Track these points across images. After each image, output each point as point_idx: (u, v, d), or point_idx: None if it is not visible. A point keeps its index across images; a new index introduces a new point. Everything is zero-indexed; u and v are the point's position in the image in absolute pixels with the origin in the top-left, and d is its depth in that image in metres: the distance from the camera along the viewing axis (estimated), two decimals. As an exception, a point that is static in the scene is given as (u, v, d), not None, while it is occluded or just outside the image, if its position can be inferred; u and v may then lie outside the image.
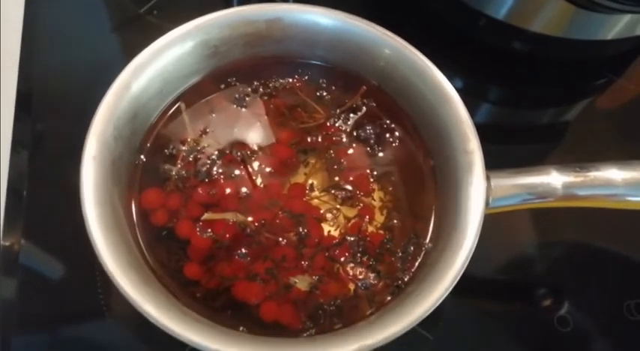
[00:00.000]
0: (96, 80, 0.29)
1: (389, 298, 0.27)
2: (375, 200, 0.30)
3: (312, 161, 0.31)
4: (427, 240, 0.28)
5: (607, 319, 0.34)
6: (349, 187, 0.30)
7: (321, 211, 0.29)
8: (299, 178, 0.31)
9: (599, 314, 0.34)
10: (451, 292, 0.24)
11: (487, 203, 0.27)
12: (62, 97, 0.40)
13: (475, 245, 0.25)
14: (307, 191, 0.30)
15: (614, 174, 0.28)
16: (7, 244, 0.34)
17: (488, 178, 0.27)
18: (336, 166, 0.31)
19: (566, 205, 0.29)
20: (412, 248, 0.28)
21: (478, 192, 0.26)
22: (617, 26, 0.38)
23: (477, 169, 0.27)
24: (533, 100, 0.44)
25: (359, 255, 0.28)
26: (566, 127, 0.44)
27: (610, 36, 0.39)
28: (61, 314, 0.33)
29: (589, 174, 0.28)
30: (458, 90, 0.29)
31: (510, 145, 0.43)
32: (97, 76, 0.40)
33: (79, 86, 0.40)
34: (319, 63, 0.33)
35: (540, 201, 0.28)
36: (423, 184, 0.30)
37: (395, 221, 0.29)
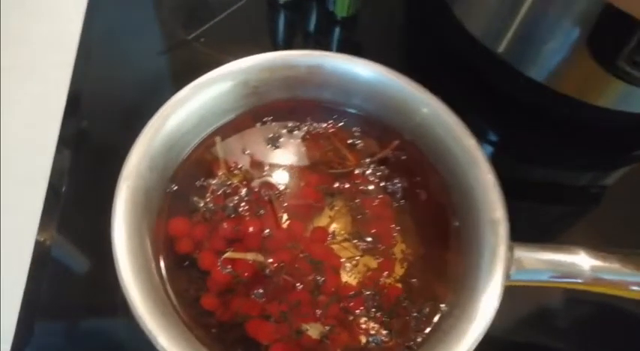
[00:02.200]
0: (141, 93, 0.31)
1: (398, 358, 0.27)
2: (395, 254, 0.30)
3: (338, 206, 0.31)
4: (444, 303, 0.28)
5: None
6: (371, 239, 0.30)
7: (341, 260, 0.30)
8: (323, 221, 0.31)
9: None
10: None
11: (508, 276, 0.27)
12: (108, 103, 0.42)
13: (492, 318, 0.25)
14: (329, 237, 0.30)
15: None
16: (41, 238, 0.35)
17: (511, 249, 0.27)
18: (360, 216, 0.31)
19: (590, 289, 0.28)
20: (428, 309, 0.28)
21: (500, 263, 0.26)
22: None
23: (501, 240, 0.27)
24: (570, 161, 0.44)
25: (373, 310, 0.28)
26: (602, 193, 0.43)
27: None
28: (82, 307, 0.34)
29: (620, 259, 0.28)
30: (492, 144, 0.29)
31: (542, 204, 0.42)
32: (142, 90, 0.41)
33: (124, 95, 0.42)
34: (355, 111, 0.33)
35: (564, 281, 0.27)
36: (446, 244, 0.30)
37: (414, 280, 0.29)
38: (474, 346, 0.24)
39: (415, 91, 0.30)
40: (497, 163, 0.44)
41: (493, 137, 0.45)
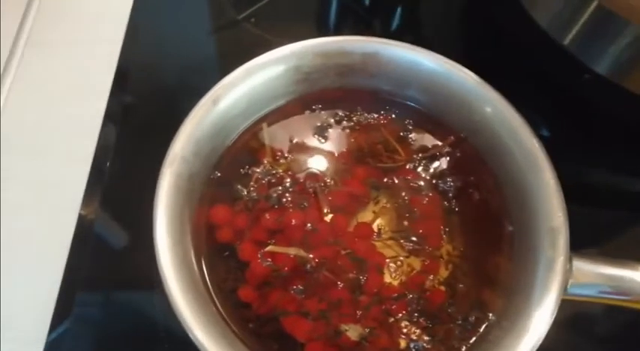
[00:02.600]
0: (188, 72, 0.30)
1: (440, 367, 0.26)
2: (442, 256, 0.29)
3: (384, 201, 0.30)
4: (492, 313, 0.27)
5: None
6: (417, 239, 0.29)
7: (386, 260, 0.28)
8: (367, 216, 0.30)
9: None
10: None
11: (565, 289, 0.25)
12: (156, 81, 0.42)
13: (545, 333, 0.23)
14: (375, 234, 0.29)
15: None
16: (84, 213, 0.36)
17: (570, 260, 0.25)
18: (408, 214, 0.29)
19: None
20: (474, 318, 0.27)
21: (557, 274, 0.24)
22: None
23: (560, 251, 0.25)
24: (634, 166, 0.41)
25: (416, 314, 0.27)
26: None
27: None
28: (121, 281, 0.35)
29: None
30: (551, 144, 0.27)
31: (601, 209, 0.40)
32: (189, 69, 0.41)
33: (171, 74, 0.42)
34: (410, 104, 0.32)
35: (620, 298, 0.25)
36: (498, 249, 0.29)
37: (461, 285, 0.28)
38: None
39: (480, 87, 0.28)
40: (556, 164, 0.42)
41: (552, 136, 0.42)
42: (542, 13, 0.39)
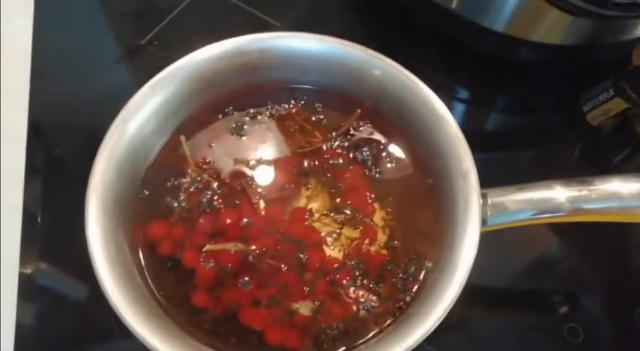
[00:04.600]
0: (106, 107, 0.30)
1: (390, 320, 0.27)
2: (374, 222, 0.30)
3: (312, 185, 0.31)
4: (428, 260, 0.28)
5: (618, 328, 0.34)
6: (348, 211, 0.30)
7: (322, 235, 0.30)
8: (301, 201, 0.31)
9: (610, 323, 0.34)
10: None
11: (485, 221, 0.27)
12: (73, 123, 0.42)
13: (471, 265, 0.25)
14: (307, 215, 0.30)
15: (618, 187, 0.28)
16: (25, 270, 0.35)
17: (485, 197, 0.27)
18: (334, 190, 0.31)
19: (571, 221, 0.29)
20: (413, 269, 0.28)
21: (473, 211, 0.26)
22: (615, 30, 0.38)
23: (471, 189, 0.27)
24: (538, 104, 0.44)
25: (360, 278, 0.28)
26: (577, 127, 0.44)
27: (607, 40, 0.39)
28: (75, 334, 0.34)
29: (593, 187, 0.28)
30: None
31: (521, 150, 0.43)
32: (106, 103, 0.40)
33: (89, 113, 0.41)
34: (314, 87, 0.33)
35: (545, 216, 0.28)
36: (422, 203, 0.30)
37: (396, 242, 0.29)
38: (456, 296, 0.24)
39: (364, 55, 0.30)
40: (471, 116, 0.44)
41: (463, 93, 0.45)
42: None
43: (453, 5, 0.41)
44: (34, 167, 0.39)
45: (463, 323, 0.34)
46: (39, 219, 0.37)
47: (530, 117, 0.44)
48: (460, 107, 0.44)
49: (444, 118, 0.29)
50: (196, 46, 0.32)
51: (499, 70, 0.44)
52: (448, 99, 0.43)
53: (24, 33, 0.44)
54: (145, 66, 0.44)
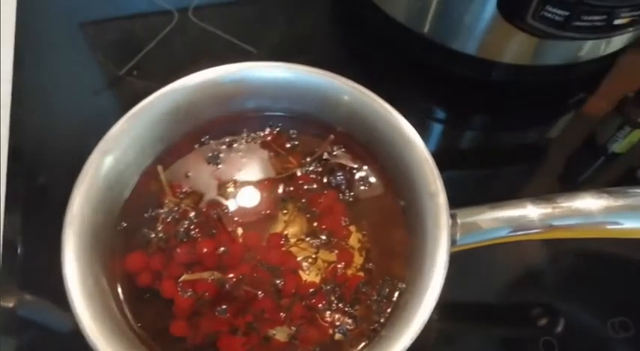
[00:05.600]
0: (85, 136, 0.31)
1: (365, 343, 0.28)
2: (349, 244, 0.31)
3: (289, 210, 0.32)
4: (401, 281, 0.29)
5: (592, 340, 0.34)
6: (323, 235, 0.31)
7: (298, 260, 0.30)
8: (279, 227, 0.32)
9: (584, 335, 0.34)
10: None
11: (454, 241, 0.27)
12: (54, 154, 0.42)
13: (441, 285, 0.26)
14: (283, 241, 0.31)
15: (588, 203, 0.28)
16: (7, 304, 0.35)
17: (454, 217, 0.28)
18: (308, 215, 0.31)
19: (545, 238, 0.29)
20: (387, 290, 0.29)
21: (443, 232, 0.27)
22: (582, 50, 0.39)
23: (440, 209, 0.27)
24: (512, 122, 0.45)
25: (335, 301, 0.29)
26: (549, 144, 0.45)
27: (576, 59, 0.40)
28: None
29: (563, 205, 0.29)
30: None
31: (497, 168, 0.44)
32: (84, 134, 0.41)
33: (68, 144, 0.42)
34: (288, 114, 0.34)
35: (518, 234, 0.28)
36: (395, 225, 0.31)
37: (370, 264, 0.30)
38: (427, 318, 0.25)
39: (333, 81, 0.31)
40: (446, 136, 0.45)
41: (439, 113, 0.46)
42: (397, 10, 0.43)
43: (425, 30, 0.42)
44: (13, 198, 0.39)
45: (441, 339, 0.34)
46: (19, 250, 0.37)
47: (506, 135, 0.45)
48: (436, 127, 0.45)
49: (413, 143, 0.29)
50: (175, 74, 0.32)
51: (473, 90, 0.45)
52: (424, 119, 0.44)
53: (4, 62, 0.45)
54: (125, 96, 0.45)
